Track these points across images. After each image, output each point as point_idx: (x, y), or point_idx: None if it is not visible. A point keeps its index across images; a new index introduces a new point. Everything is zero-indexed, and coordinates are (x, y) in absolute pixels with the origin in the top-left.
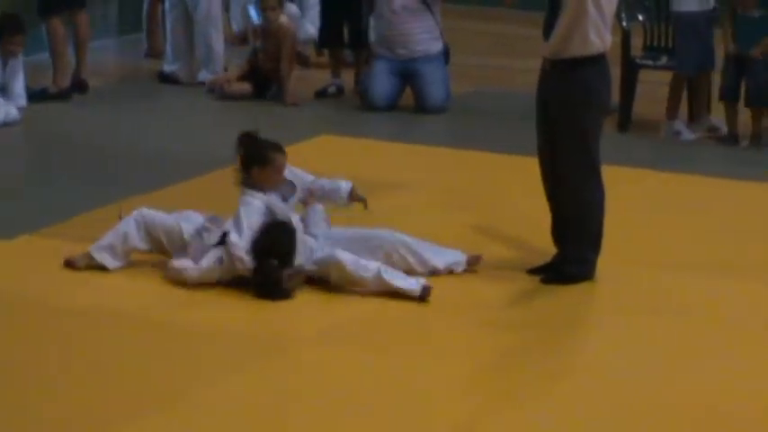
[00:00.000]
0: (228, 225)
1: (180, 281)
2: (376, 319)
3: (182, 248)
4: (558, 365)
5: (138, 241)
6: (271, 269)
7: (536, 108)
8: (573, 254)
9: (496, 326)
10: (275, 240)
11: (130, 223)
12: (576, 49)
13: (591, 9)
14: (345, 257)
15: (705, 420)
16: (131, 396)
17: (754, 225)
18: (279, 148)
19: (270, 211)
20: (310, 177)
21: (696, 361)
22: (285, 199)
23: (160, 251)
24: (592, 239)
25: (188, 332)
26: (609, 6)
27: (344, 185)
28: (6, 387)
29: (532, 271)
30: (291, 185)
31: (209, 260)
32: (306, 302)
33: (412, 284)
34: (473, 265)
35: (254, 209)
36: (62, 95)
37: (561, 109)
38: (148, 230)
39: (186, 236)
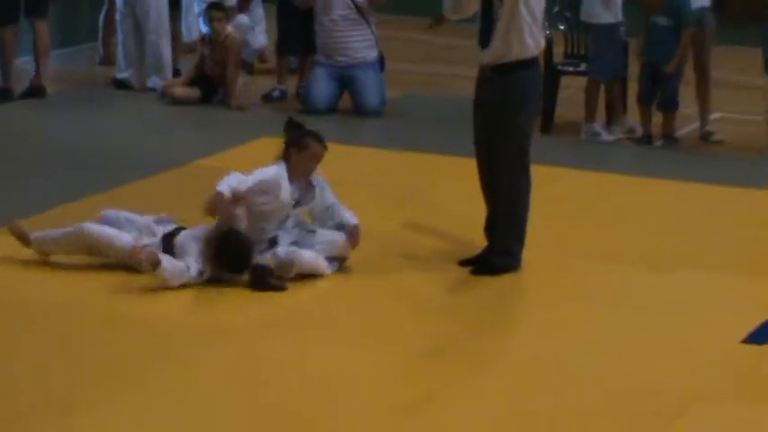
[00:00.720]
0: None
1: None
2: (314, 309)
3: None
4: (488, 352)
5: (75, 254)
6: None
7: (473, 112)
8: (501, 246)
9: (430, 314)
10: (230, 252)
11: (71, 237)
12: (515, 53)
13: (523, 11)
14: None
15: (619, 400)
16: (85, 385)
17: (669, 220)
18: (318, 138)
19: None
20: (338, 208)
21: (612, 344)
22: (299, 203)
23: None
24: (518, 233)
25: (136, 322)
26: (538, 8)
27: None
28: None
29: (463, 263)
30: (312, 195)
31: (192, 271)
32: (248, 294)
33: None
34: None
35: (269, 172)
36: (4, 94)
37: (501, 112)
38: (89, 246)
39: (128, 247)
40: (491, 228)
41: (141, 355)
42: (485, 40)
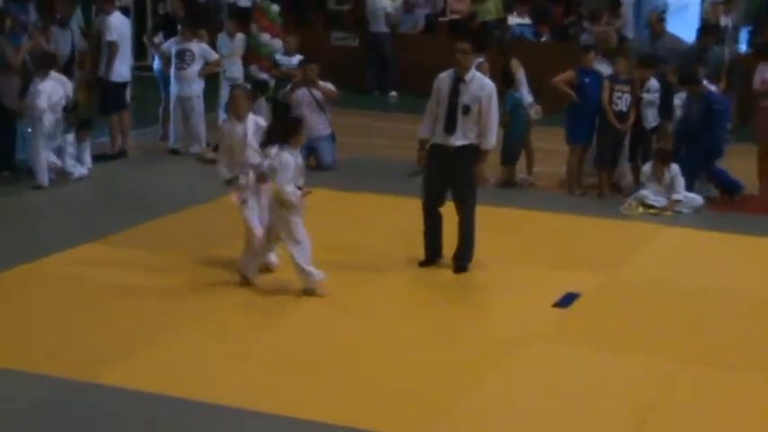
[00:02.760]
0: None
1: None
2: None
3: None
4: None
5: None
6: None
7: (434, 172)
8: (467, 254)
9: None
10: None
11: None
12: (476, 138)
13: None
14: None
15: (475, 346)
16: (114, 340)
17: (502, 234)
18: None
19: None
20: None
21: (474, 311)
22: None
23: None
24: (474, 246)
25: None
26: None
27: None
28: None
29: (422, 263)
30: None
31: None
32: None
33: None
34: None
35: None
36: (115, 156)
37: (468, 173)
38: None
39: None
40: (433, 246)
41: (163, 318)
42: (451, 126)
